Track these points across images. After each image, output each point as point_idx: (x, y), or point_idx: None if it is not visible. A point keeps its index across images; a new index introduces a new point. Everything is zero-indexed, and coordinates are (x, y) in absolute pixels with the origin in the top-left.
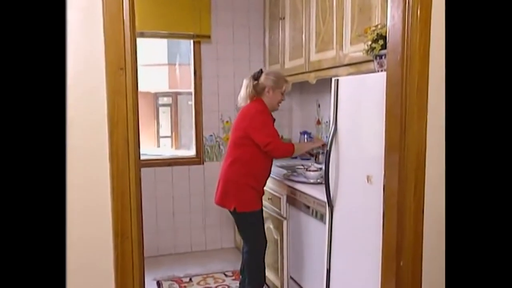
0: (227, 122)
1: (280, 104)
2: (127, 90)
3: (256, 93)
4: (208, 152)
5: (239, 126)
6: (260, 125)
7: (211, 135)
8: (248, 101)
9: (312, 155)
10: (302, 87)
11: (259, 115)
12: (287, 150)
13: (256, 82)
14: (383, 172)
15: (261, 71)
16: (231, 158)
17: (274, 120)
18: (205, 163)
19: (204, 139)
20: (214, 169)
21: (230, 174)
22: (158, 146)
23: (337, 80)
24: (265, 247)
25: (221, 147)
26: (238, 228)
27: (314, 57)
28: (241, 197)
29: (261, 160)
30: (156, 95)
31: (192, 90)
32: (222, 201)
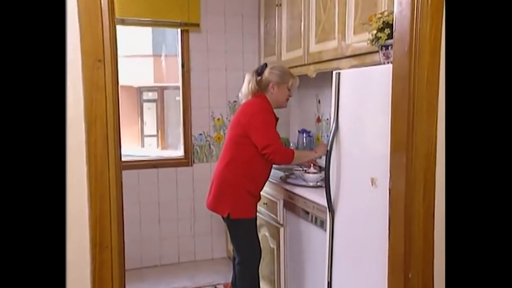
0: (218, 119)
1: (288, 101)
2: (106, 84)
3: (260, 89)
4: (197, 152)
5: (238, 122)
6: (260, 125)
7: (200, 134)
8: (250, 97)
9: (314, 164)
10: (300, 81)
11: (260, 113)
12: (286, 156)
13: (259, 77)
14: (388, 174)
15: (265, 65)
16: (228, 158)
17: (277, 119)
18: (194, 164)
19: (193, 138)
20: (204, 171)
21: (226, 175)
22: (142, 146)
23: (339, 73)
24: (260, 257)
25: (212, 147)
26: (230, 236)
27: (313, 48)
28: (236, 201)
29: (261, 162)
30: (140, 90)
31: (179, 84)
32: (214, 206)
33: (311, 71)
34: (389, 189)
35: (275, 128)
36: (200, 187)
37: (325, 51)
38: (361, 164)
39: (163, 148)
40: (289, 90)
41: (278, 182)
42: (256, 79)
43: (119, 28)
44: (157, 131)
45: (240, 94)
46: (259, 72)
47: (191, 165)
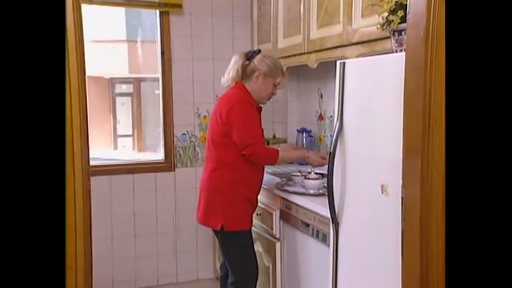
0: (204, 117)
1: (269, 99)
2: (71, 75)
3: (243, 75)
4: (180, 155)
5: (217, 120)
6: (239, 120)
7: (184, 134)
8: (230, 84)
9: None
10: (300, 73)
11: (238, 107)
12: (269, 157)
13: (248, 62)
14: (401, 181)
15: (258, 51)
16: (213, 163)
17: (260, 110)
18: (176, 169)
19: (175, 139)
20: (188, 177)
21: (214, 182)
22: (115, 147)
23: (344, 63)
24: (257, 277)
25: (197, 149)
26: (223, 253)
27: (315, 33)
28: (231, 210)
29: (250, 164)
30: (112, 82)
31: (159, 75)
32: (206, 219)
33: (312, 60)
34: (402, 198)
35: (258, 123)
36: (183, 196)
37: (328, 38)
38: (369, 168)
39: (140, 150)
40: (274, 86)
41: (273, 189)
42: (243, 63)
43: (85, 8)
44: (133, 131)
45: (222, 79)
46: (249, 56)
47: (173, 170)
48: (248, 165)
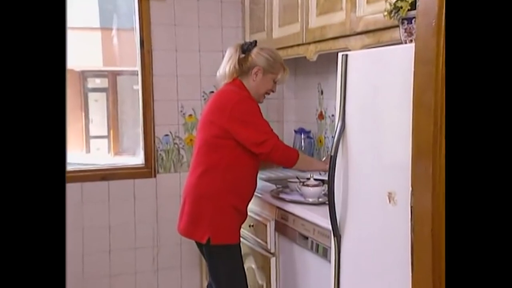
0: (190, 116)
1: (266, 96)
2: None
3: (239, 71)
4: (162, 159)
5: (212, 118)
6: (247, 117)
7: (167, 135)
8: (227, 81)
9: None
10: (297, 66)
11: (243, 103)
12: (289, 155)
13: (243, 55)
14: (410, 188)
15: (254, 43)
16: (203, 166)
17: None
18: (158, 175)
19: (156, 140)
20: (171, 184)
21: (202, 188)
22: (88, 151)
23: (346, 55)
24: None
25: (182, 152)
26: (209, 269)
27: (314, 22)
28: (219, 221)
29: (246, 168)
30: (84, 75)
31: (137, 68)
32: (190, 231)
33: (311, 52)
34: (411, 207)
35: (263, 118)
36: (166, 205)
37: (330, 26)
38: (375, 174)
39: (116, 153)
40: (274, 83)
41: (267, 197)
42: (239, 57)
43: None
44: (108, 131)
45: (218, 74)
46: (245, 49)
47: (154, 176)
48: (243, 169)
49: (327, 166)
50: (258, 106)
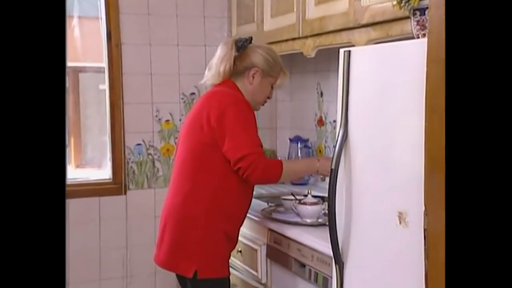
0: (167, 122)
1: (265, 103)
2: None
3: (234, 72)
4: (134, 173)
5: (201, 125)
6: (236, 124)
7: (139, 145)
8: (218, 82)
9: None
10: (293, 63)
11: (235, 108)
12: (271, 169)
13: (238, 53)
14: (423, 207)
15: (250, 40)
16: (189, 184)
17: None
18: (128, 191)
19: (127, 151)
20: (145, 202)
21: (189, 209)
22: None
23: (349, 52)
24: None
25: (157, 164)
26: None
27: (313, 12)
28: (210, 251)
29: (242, 187)
30: None
31: (104, 65)
32: (172, 262)
33: (309, 47)
34: (424, 230)
35: (256, 131)
36: (138, 228)
37: (330, 17)
38: (383, 190)
39: (78, 165)
40: (272, 88)
41: (258, 217)
42: (234, 54)
43: None
44: (68, 139)
45: (206, 73)
46: (240, 45)
47: (124, 193)
48: (237, 189)
49: (316, 161)
50: (253, 113)
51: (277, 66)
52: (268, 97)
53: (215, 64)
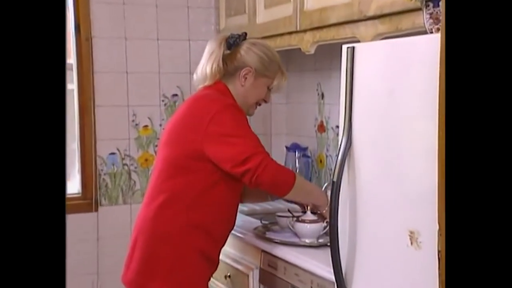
0: (145, 127)
1: (258, 106)
2: None
3: (224, 72)
4: (107, 186)
5: (184, 132)
6: (230, 131)
7: (113, 154)
8: (207, 84)
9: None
10: (290, 61)
11: (226, 113)
12: (284, 174)
13: (229, 52)
14: (437, 226)
15: (244, 36)
16: (164, 195)
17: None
18: (100, 208)
19: (99, 161)
20: (119, 220)
21: (162, 225)
22: None
23: (353, 48)
24: None
25: (134, 176)
26: None
27: (312, 2)
28: (181, 272)
29: (223, 201)
30: None
31: (72, 62)
32: (138, 282)
33: (308, 43)
34: (439, 252)
35: (252, 132)
36: (111, 249)
37: (332, 9)
38: (392, 206)
39: None
40: (268, 90)
41: (250, 237)
42: (223, 53)
43: None
44: None
45: (195, 75)
46: (232, 43)
47: (95, 210)
48: (216, 204)
49: (324, 193)
50: (246, 118)
51: (273, 65)
52: (265, 101)
53: (201, 65)
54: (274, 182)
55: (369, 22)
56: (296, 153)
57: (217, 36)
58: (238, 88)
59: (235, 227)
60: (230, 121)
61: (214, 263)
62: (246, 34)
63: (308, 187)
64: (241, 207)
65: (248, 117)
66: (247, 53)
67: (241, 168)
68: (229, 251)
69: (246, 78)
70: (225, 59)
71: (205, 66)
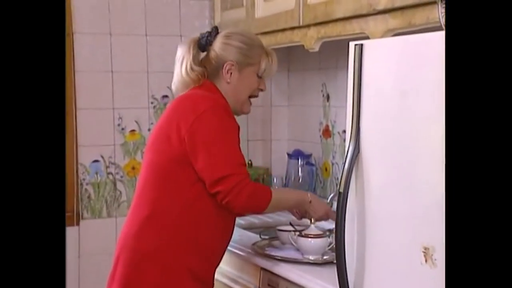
0: (132, 132)
1: (253, 98)
2: None
3: (205, 74)
4: (89, 198)
5: (169, 136)
6: (213, 136)
7: (96, 161)
8: (187, 90)
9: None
10: (292, 59)
11: (212, 114)
12: (258, 197)
13: (204, 52)
14: None
15: (215, 31)
16: (148, 207)
17: (239, 128)
18: (82, 221)
19: (80, 169)
20: (103, 235)
21: (147, 242)
22: None
23: (361, 45)
24: None
25: (120, 186)
26: None
27: None
28: None
29: (214, 211)
30: None
31: None
32: None
33: (312, 39)
34: None
35: (238, 143)
36: (93, 267)
37: (338, 2)
38: (404, 220)
39: None
40: (259, 77)
41: (248, 254)
42: (193, 55)
43: None
44: None
45: (173, 86)
46: (204, 43)
47: (76, 224)
48: (211, 217)
49: (307, 195)
50: (236, 123)
51: (254, 50)
52: (261, 89)
53: (175, 73)
54: (247, 207)
55: (379, 17)
56: (299, 160)
57: (185, 39)
58: (225, 86)
59: (231, 243)
60: (217, 125)
61: (207, 283)
62: (217, 28)
63: (285, 198)
64: (238, 220)
65: (247, 119)
66: (222, 48)
67: (213, 188)
68: (225, 269)
69: (230, 73)
70: (203, 62)
71: (178, 74)
